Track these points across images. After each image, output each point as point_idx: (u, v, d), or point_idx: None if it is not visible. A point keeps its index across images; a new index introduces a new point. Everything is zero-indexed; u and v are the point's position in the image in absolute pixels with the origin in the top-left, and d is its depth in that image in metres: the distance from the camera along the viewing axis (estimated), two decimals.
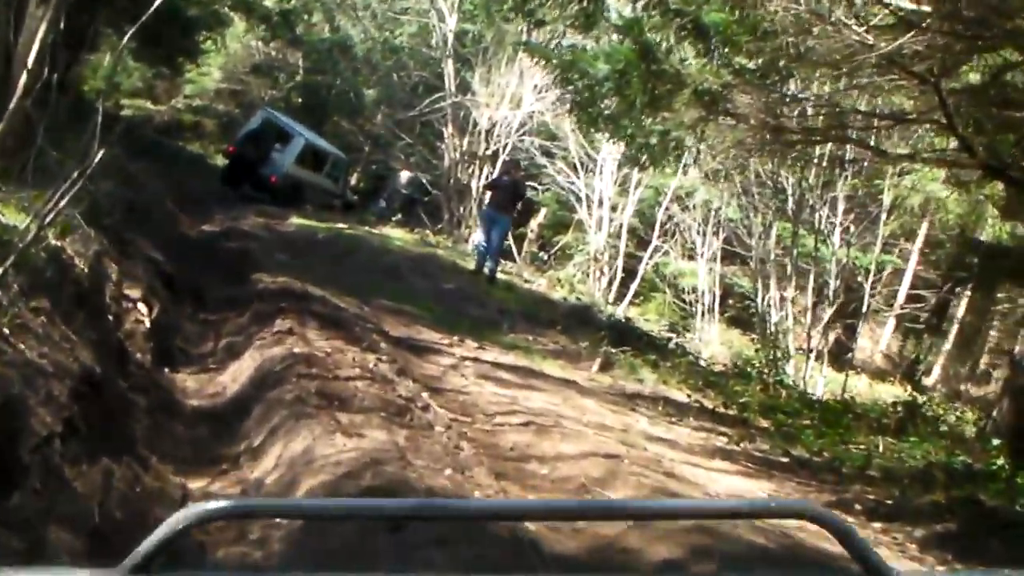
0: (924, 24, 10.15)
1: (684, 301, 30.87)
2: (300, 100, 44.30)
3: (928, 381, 30.42)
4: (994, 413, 15.54)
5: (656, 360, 18.05)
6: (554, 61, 15.18)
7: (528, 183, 28.16)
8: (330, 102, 43.91)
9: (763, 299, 24.31)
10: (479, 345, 14.69)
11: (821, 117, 14.37)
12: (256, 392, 9.26)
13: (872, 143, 15.98)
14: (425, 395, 10.14)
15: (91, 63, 40.16)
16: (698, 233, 28.49)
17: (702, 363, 21.12)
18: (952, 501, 10.69)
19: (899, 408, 18.04)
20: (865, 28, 10.32)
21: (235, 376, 10.07)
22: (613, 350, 17.50)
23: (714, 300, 29.18)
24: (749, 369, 20.39)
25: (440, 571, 5.72)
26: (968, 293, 31.21)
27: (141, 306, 10.54)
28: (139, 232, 14.02)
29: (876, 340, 34.36)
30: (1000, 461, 12.82)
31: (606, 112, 15.07)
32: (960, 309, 32.09)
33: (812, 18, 10.75)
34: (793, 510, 2.31)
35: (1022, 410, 14.57)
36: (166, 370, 10.25)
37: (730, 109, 13.69)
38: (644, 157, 16.36)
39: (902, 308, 32.12)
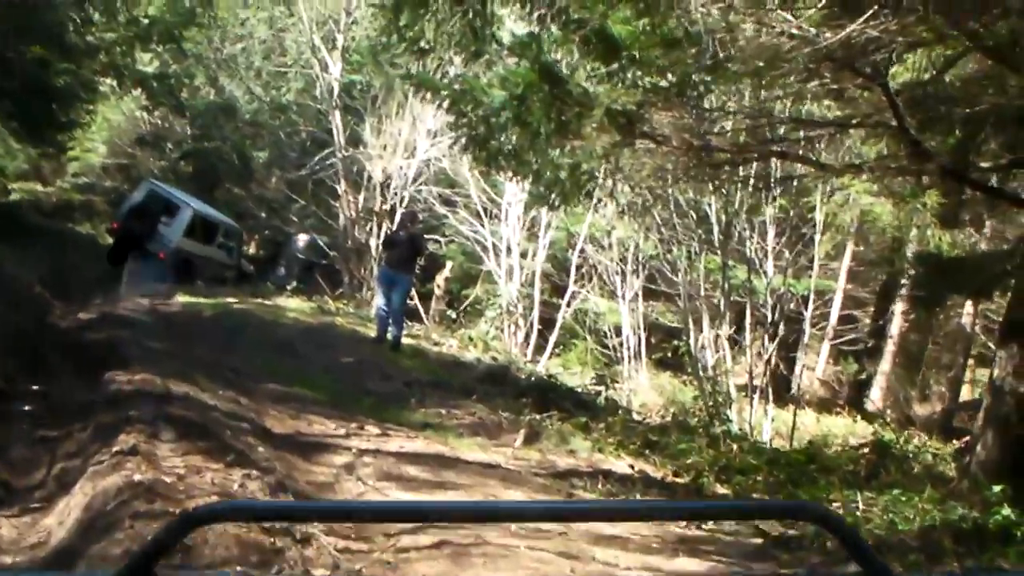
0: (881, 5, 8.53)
1: (607, 347, 29.20)
2: (189, 169, 42.99)
3: (870, 404, 29.18)
4: (978, 448, 13.91)
5: (587, 422, 16.18)
6: (443, 92, 13.29)
7: (429, 236, 26.61)
8: (220, 168, 42.33)
9: (695, 339, 22.60)
10: (381, 431, 12.70)
11: (753, 131, 12.76)
12: (82, 542, 7.14)
13: (810, 157, 14.47)
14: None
15: None
16: (617, 273, 26.74)
17: (637, 418, 19.31)
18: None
19: (867, 451, 16.52)
20: (796, 22, 8.73)
21: (63, 517, 7.94)
22: (538, 416, 15.77)
23: (640, 343, 27.53)
24: (690, 419, 18.76)
25: None
26: (903, 311, 29.93)
27: None
28: None
29: (811, 367, 32.91)
30: (1006, 511, 10.98)
31: (506, 147, 13.33)
32: (894, 327, 30.68)
33: (742, 15, 9.14)
34: (794, 510, 2.29)
35: (1010, 443, 13.03)
36: None
37: (648, 131, 12.10)
38: (554, 195, 14.57)
39: (835, 330, 30.78)
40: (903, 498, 12.42)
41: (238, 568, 5.91)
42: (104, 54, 31.67)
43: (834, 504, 12.14)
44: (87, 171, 43.28)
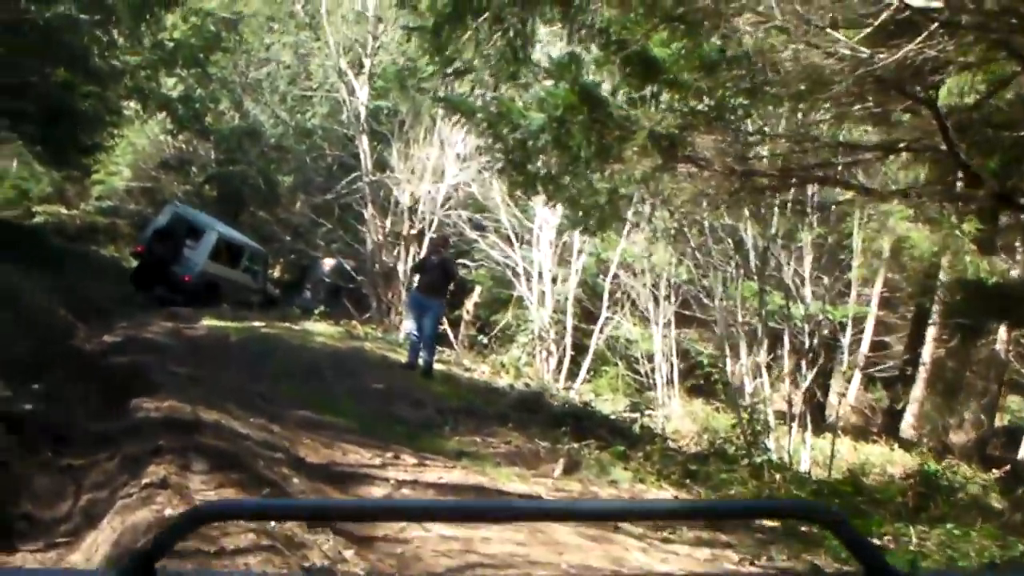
0: (940, 25, 8.13)
1: (639, 373, 28.71)
2: (214, 192, 42.81)
3: (904, 432, 28.71)
4: None
5: (625, 451, 15.71)
6: (479, 115, 12.89)
7: (459, 261, 26.16)
8: (245, 192, 42.31)
9: (732, 366, 22.12)
10: (417, 460, 12.24)
11: (795, 155, 12.35)
12: None
13: (853, 182, 14.08)
14: (350, 554, 7.66)
15: None
16: (650, 299, 26.29)
17: (674, 446, 18.89)
18: None
19: (913, 482, 15.95)
20: (848, 42, 8.33)
21: (90, 554, 7.48)
22: (576, 445, 15.26)
23: (672, 370, 27.06)
24: (728, 447, 18.34)
25: None
26: (935, 337, 29.42)
27: None
28: None
29: (843, 393, 32.44)
30: None
31: (543, 171, 12.94)
32: (926, 354, 30.16)
33: (788, 36, 8.74)
34: (796, 509, 2.30)
35: None
36: None
37: (690, 155, 11.73)
38: (592, 220, 14.20)
39: (867, 357, 30.25)
40: (957, 532, 11.98)
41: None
42: (129, 78, 31.41)
43: (886, 538, 11.80)
44: (111, 194, 43.28)
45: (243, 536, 6.97)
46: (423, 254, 23.04)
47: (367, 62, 32.26)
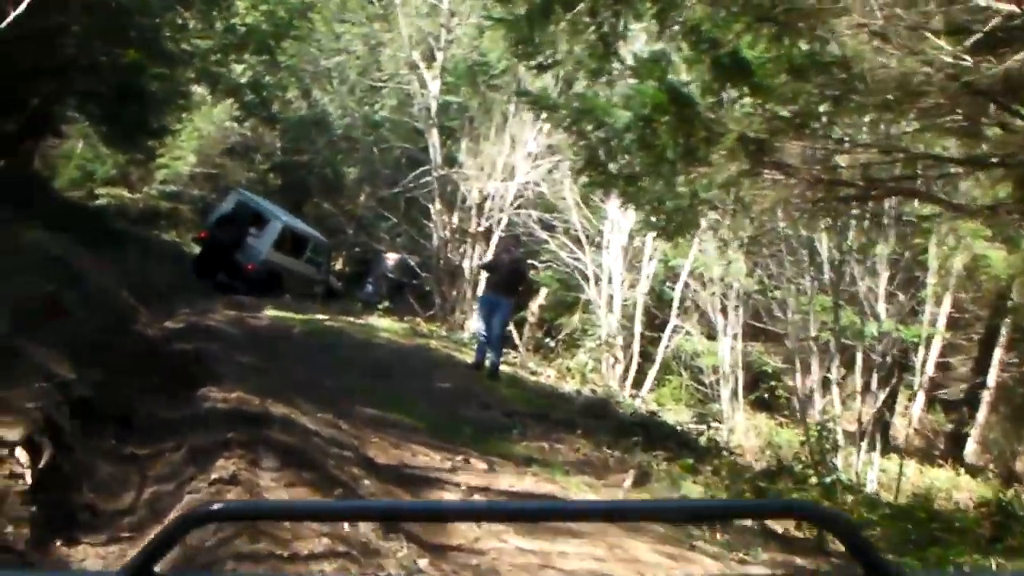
0: None
1: (703, 384, 28.19)
2: (278, 181, 42.67)
3: (968, 456, 28.17)
4: None
5: (694, 463, 15.29)
6: (562, 111, 12.46)
7: (529, 261, 25.65)
8: (309, 182, 42.18)
9: (802, 381, 21.56)
10: (487, 465, 11.85)
11: (883, 166, 11.92)
12: None
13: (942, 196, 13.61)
14: (424, 563, 7.22)
15: (64, 151, 40.38)
16: (720, 309, 25.76)
17: (742, 461, 18.41)
18: None
19: (987, 510, 15.51)
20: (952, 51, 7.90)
21: None
22: (645, 456, 14.89)
23: (737, 382, 26.52)
24: (794, 464, 17.81)
25: None
26: (1002, 360, 28.85)
27: (20, 452, 7.48)
28: (59, 339, 11.11)
29: (906, 415, 31.84)
30: None
31: (625, 171, 12.50)
32: (991, 377, 29.57)
33: (894, 38, 8.31)
34: (794, 509, 2.34)
35: None
36: (58, 542, 7.10)
37: (777, 161, 11.27)
38: (672, 225, 13.73)
39: (931, 378, 29.61)
40: None
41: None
42: (199, 61, 31.15)
43: (965, 568, 11.29)
44: (175, 179, 42.38)
45: (317, 540, 6.57)
46: (493, 252, 22.47)
47: (439, 55, 31.92)
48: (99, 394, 10.35)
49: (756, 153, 10.88)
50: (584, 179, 13.69)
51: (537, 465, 12.67)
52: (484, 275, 21.08)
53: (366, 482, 9.17)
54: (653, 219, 14.08)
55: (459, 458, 11.85)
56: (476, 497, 10.06)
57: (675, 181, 12.39)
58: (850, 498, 15.27)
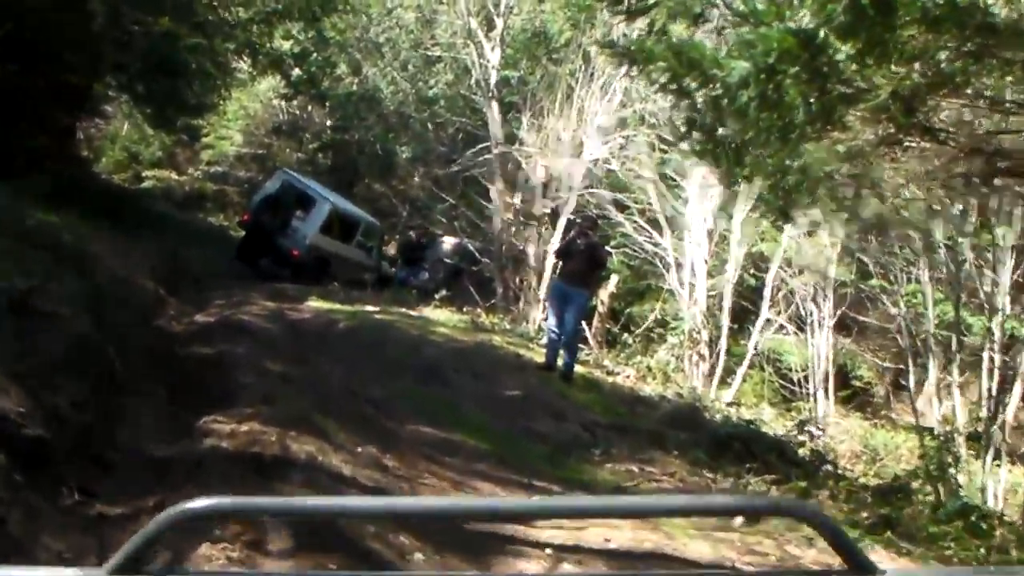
0: None
1: (790, 381, 26.07)
2: (328, 161, 41.63)
3: None
4: None
5: (807, 487, 12.92)
6: (661, 63, 10.03)
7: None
8: (360, 162, 41.06)
9: (913, 383, 19.34)
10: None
11: None
12: None
13: None
14: None
15: (109, 133, 41.28)
16: (812, 300, 23.60)
17: (860, 480, 16.23)
18: None
19: None
20: None
21: None
22: (753, 480, 12.67)
23: (827, 379, 24.37)
24: (909, 480, 15.46)
25: None
26: None
27: None
28: (20, 350, 8.71)
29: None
30: None
31: (738, 136, 10.25)
32: None
33: None
34: (783, 509, 2.44)
35: None
36: None
37: (927, 125, 9.38)
38: (796, 203, 11.52)
39: None
40: None
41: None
42: (240, 31, 29.20)
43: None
44: (221, 160, 42.42)
45: None
46: (567, 237, 19.97)
47: (498, 23, 30.34)
48: (65, 427, 7.77)
49: (908, 114, 8.96)
50: (685, 147, 11.40)
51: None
52: (558, 263, 18.68)
53: (418, 555, 6.76)
54: (773, 196, 11.90)
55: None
56: (564, 568, 7.64)
57: (801, 149, 10.20)
58: (997, 532, 12.75)
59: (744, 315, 26.03)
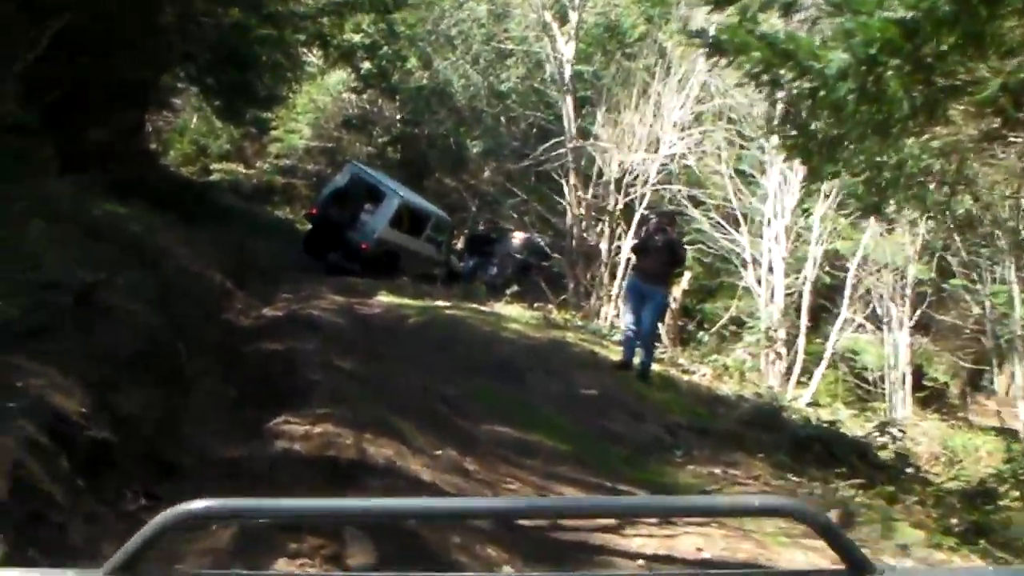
0: None
1: (864, 380, 25.53)
2: (397, 155, 41.93)
3: None
4: None
5: (894, 492, 12.38)
6: (755, 52, 9.60)
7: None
8: (430, 156, 41.01)
9: (1002, 384, 18.86)
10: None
11: None
12: None
13: None
14: None
15: (178, 125, 41.56)
16: (889, 299, 23.07)
17: (944, 484, 15.58)
18: None
19: None
20: None
21: None
22: (841, 485, 12.16)
23: (904, 380, 23.86)
24: (1004, 487, 14.48)
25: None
26: None
27: None
28: (81, 349, 8.29)
29: None
30: None
31: (834, 130, 9.83)
32: None
33: None
34: (778, 507, 2.48)
35: None
36: None
37: None
38: (891, 200, 11.05)
39: None
40: None
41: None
42: (311, 23, 29.02)
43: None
44: (290, 153, 42.47)
45: None
46: (644, 232, 19.37)
47: (573, 16, 30.00)
48: (130, 428, 7.38)
49: (1018, 108, 8.63)
50: (777, 140, 10.95)
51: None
52: (634, 258, 18.15)
53: (506, 569, 6.37)
54: (862, 192, 11.44)
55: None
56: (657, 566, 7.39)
57: (901, 144, 9.78)
58: None
59: (820, 313, 25.53)
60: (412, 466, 7.88)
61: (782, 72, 9.40)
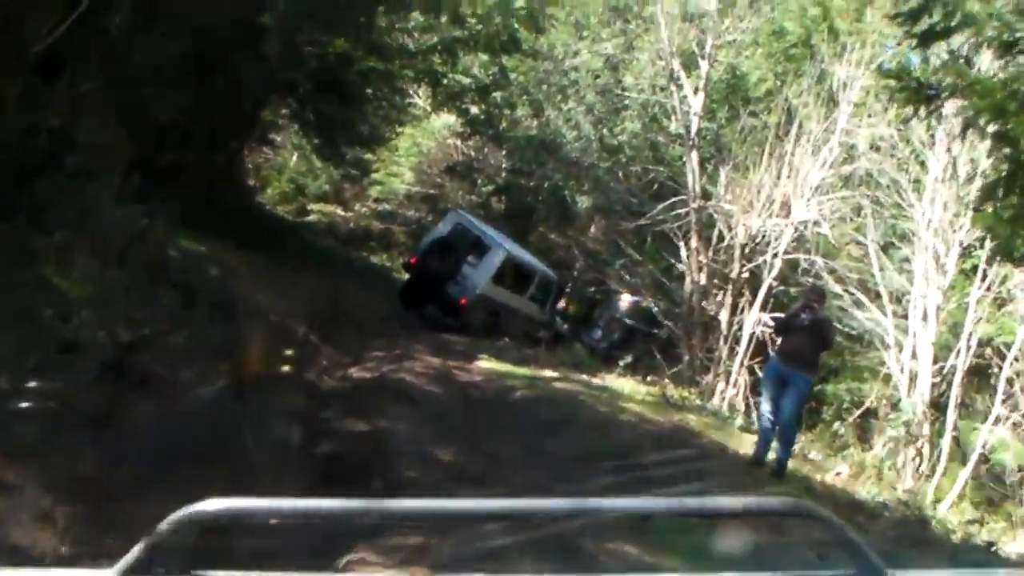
0: None
1: (999, 480, 23.34)
2: (501, 206, 40.32)
3: None
4: None
5: None
6: (978, 88, 7.70)
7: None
8: (536, 209, 39.57)
9: None
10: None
11: None
12: None
13: None
14: None
15: (277, 163, 41.72)
16: None
17: None
18: None
19: None
20: None
21: None
22: None
23: None
24: None
25: None
26: None
27: None
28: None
29: None
30: None
31: None
32: None
33: None
34: (788, 508, 2.47)
35: None
36: None
37: None
38: None
39: None
40: None
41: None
42: (420, 59, 27.72)
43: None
44: (389, 197, 42.03)
45: None
46: (791, 308, 17.36)
47: (703, 65, 28.50)
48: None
49: None
50: (987, 210, 9.00)
51: None
52: (778, 339, 16.12)
53: None
54: None
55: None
56: None
57: None
58: None
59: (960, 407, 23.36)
60: None
61: (1008, 123, 7.48)
